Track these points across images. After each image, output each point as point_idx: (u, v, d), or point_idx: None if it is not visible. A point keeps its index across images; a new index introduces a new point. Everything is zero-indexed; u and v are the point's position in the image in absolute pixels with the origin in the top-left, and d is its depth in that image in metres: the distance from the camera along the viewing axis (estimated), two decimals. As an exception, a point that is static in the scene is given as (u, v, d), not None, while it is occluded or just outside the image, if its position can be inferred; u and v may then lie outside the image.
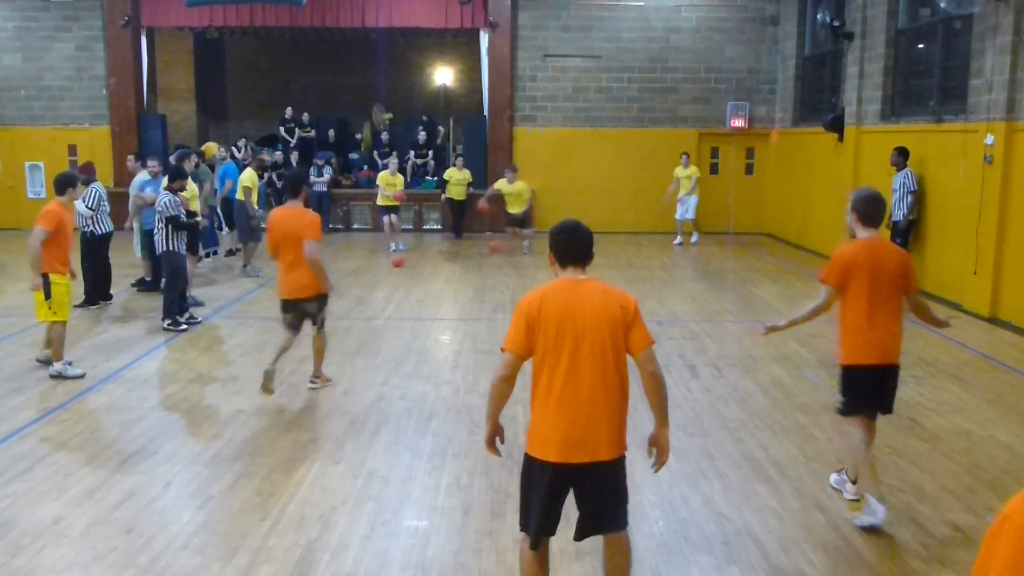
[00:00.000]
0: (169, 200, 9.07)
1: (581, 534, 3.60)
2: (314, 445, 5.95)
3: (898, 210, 11.38)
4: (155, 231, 9.33)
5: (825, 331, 9.48)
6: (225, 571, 4.25)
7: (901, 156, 11.49)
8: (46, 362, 7.74)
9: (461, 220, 17.38)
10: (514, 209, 15.09)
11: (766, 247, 16.65)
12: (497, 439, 3.68)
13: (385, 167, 15.73)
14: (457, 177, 16.86)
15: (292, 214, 6.86)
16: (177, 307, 9.39)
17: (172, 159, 15.06)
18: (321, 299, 7.04)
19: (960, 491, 5.26)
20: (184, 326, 9.31)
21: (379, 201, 15.18)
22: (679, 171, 16.21)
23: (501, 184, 15.15)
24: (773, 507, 5.03)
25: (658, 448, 3.59)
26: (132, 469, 5.50)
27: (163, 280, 9.60)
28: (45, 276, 7.44)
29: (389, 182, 14.88)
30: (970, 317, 10.16)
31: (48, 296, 7.44)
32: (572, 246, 3.58)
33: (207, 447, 5.88)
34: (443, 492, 5.20)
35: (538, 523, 3.49)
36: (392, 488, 5.26)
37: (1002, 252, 10.00)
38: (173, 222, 9.06)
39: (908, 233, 11.48)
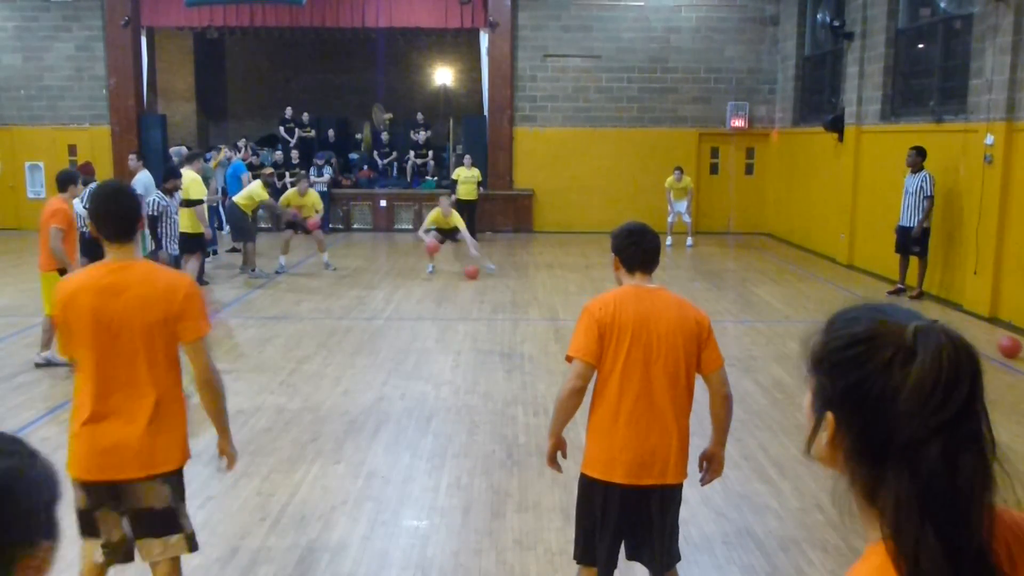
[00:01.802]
0: (155, 200, 9.13)
1: (631, 556, 3.42)
2: (314, 445, 5.95)
3: (912, 216, 10.99)
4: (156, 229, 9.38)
5: (825, 331, 9.49)
6: (225, 571, 4.25)
7: (919, 156, 10.94)
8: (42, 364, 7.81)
9: (472, 221, 17.11)
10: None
11: (766, 247, 16.65)
12: (559, 453, 3.44)
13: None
14: (466, 175, 16.67)
15: (137, 281, 3.12)
16: None
17: (174, 157, 15.13)
18: (175, 480, 3.27)
19: (960, 491, 5.25)
20: None
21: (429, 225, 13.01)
22: (671, 182, 16.10)
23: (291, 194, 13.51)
24: (773, 507, 5.03)
25: (714, 464, 3.47)
26: (132, 469, 5.49)
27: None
28: (63, 272, 7.52)
29: (440, 222, 12.89)
30: (970, 317, 10.16)
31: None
32: (641, 251, 3.35)
33: (207, 447, 5.86)
34: (443, 492, 5.20)
35: (608, 553, 3.27)
36: (392, 488, 5.25)
37: (1002, 252, 10.00)
38: (150, 222, 9.15)
39: (924, 242, 11.00)
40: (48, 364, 7.76)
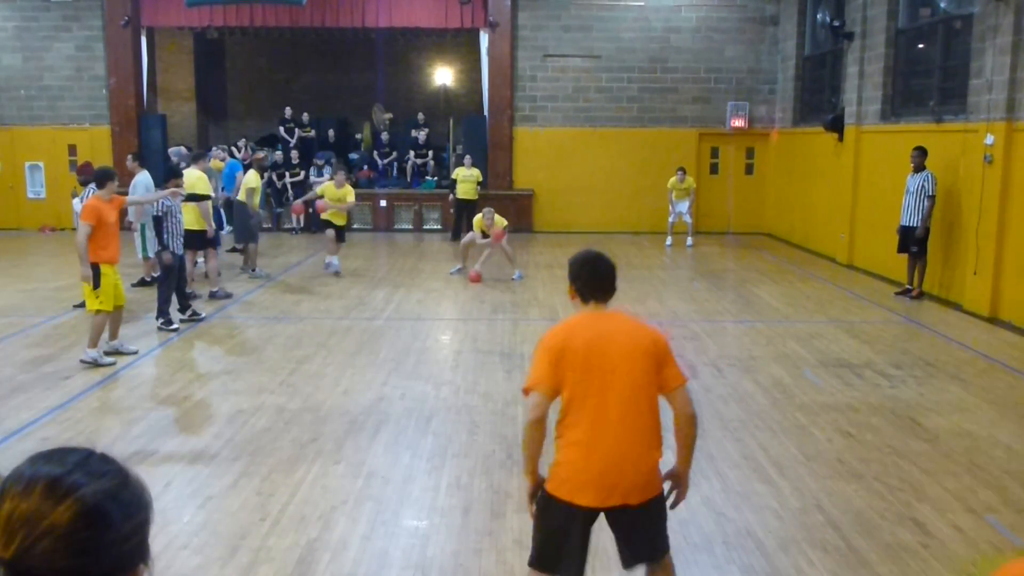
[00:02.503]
0: (160, 201, 9.21)
1: (626, 564, 3.40)
2: (314, 445, 5.95)
3: (912, 215, 10.99)
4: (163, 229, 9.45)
5: (825, 331, 9.50)
6: (225, 571, 4.25)
7: (922, 156, 10.96)
8: (112, 352, 8.16)
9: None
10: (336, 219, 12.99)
11: (766, 247, 16.65)
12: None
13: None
14: (464, 175, 16.63)
15: None
16: (168, 306, 9.42)
17: (173, 158, 15.12)
18: None
19: (960, 491, 5.26)
20: (176, 325, 9.34)
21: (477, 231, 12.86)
22: (673, 183, 16.13)
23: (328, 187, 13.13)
24: (773, 507, 5.03)
25: (680, 485, 3.39)
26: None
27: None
28: (95, 266, 7.84)
29: (481, 226, 12.68)
30: (970, 317, 10.16)
31: (97, 286, 7.85)
32: (595, 280, 3.35)
33: (207, 447, 5.88)
34: (443, 492, 5.20)
35: (576, 566, 3.24)
36: (392, 488, 5.25)
37: (1002, 252, 10.00)
38: (155, 222, 9.23)
39: (923, 242, 10.98)
40: (95, 364, 7.85)
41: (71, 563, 1.09)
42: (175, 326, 9.31)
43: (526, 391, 3.22)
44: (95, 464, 1.20)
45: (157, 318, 9.36)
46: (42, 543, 1.08)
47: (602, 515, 3.24)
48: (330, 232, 12.93)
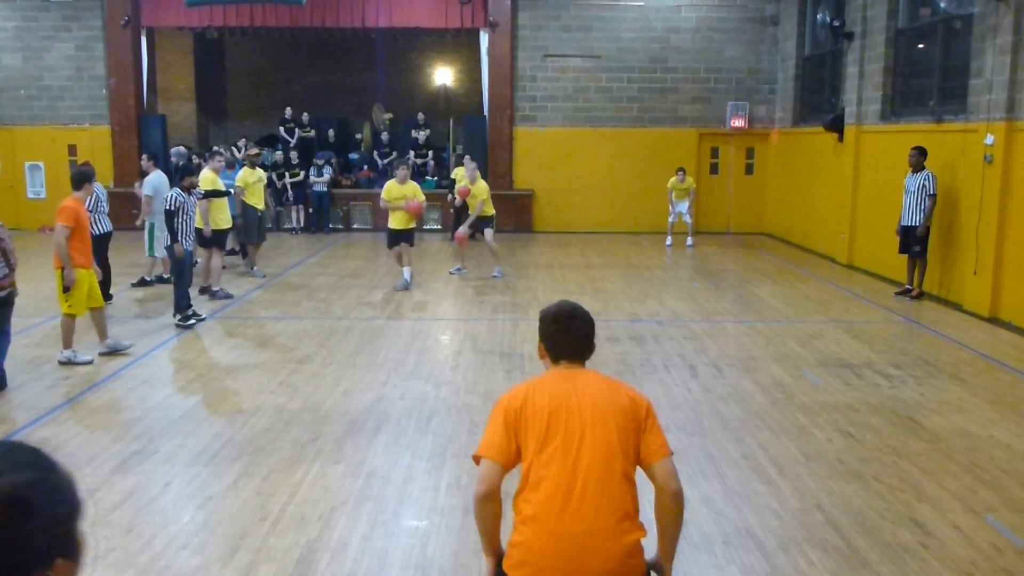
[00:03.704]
0: (173, 196, 9.31)
1: None
2: (314, 445, 5.95)
3: (914, 215, 11.00)
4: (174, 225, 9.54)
5: (825, 331, 9.50)
6: (225, 571, 4.25)
7: (921, 156, 10.98)
8: (108, 352, 8.19)
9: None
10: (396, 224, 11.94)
11: (766, 247, 16.65)
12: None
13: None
14: (463, 175, 16.62)
15: None
16: (184, 302, 9.52)
17: (173, 158, 15.12)
18: None
19: (960, 491, 5.26)
20: (193, 322, 9.44)
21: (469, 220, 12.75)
22: (673, 183, 16.15)
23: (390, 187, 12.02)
24: (773, 507, 5.03)
25: None
26: (132, 469, 5.50)
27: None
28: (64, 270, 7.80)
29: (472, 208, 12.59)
30: (970, 317, 10.16)
31: (67, 289, 7.78)
32: (568, 340, 2.97)
33: (207, 447, 5.88)
34: (443, 492, 5.20)
35: None
36: (392, 488, 5.25)
37: (1002, 252, 10.00)
38: (167, 216, 9.28)
39: (924, 242, 11.00)
40: (70, 363, 7.87)
41: None
42: (192, 322, 9.39)
43: (476, 458, 2.79)
44: (19, 455, 1.19)
45: (174, 315, 9.47)
46: None
47: None
48: (395, 249, 12.04)
